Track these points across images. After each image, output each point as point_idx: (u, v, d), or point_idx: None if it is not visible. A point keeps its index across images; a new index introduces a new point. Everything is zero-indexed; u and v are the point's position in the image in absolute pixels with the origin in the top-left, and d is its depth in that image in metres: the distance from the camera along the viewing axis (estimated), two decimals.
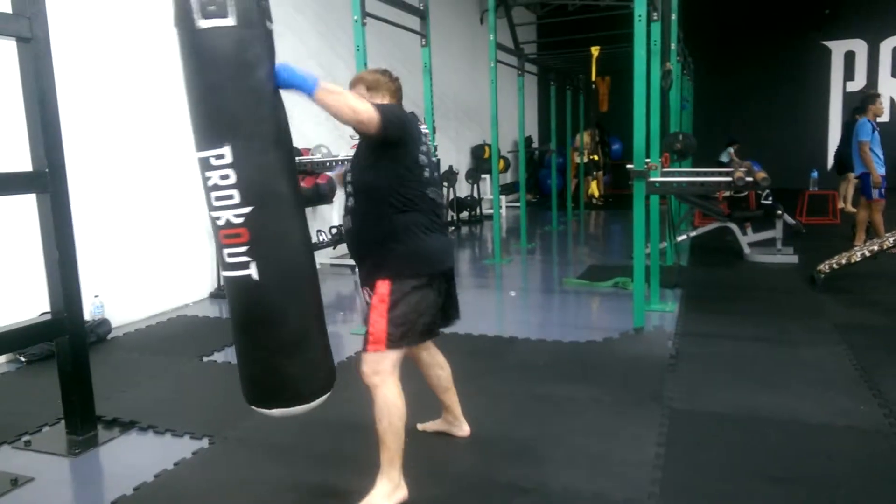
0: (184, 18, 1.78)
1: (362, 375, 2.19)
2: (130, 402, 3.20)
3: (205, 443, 2.75)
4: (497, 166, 7.05)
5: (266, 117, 1.87)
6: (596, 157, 11.83)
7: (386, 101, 2.29)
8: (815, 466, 2.42)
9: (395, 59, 7.88)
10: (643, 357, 3.68)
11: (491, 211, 8.42)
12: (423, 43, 5.04)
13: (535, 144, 13.42)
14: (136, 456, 2.73)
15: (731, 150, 10.37)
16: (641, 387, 3.21)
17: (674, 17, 5.57)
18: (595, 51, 7.75)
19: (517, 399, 3.11)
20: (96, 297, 4.33)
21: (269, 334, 1.94)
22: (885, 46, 12.22)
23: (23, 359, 3.85)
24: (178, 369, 3.74)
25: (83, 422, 2.84)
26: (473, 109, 10.84)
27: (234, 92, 1.82)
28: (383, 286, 2.17)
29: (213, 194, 1.85)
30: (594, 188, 11.82)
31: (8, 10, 2.56)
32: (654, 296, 4.70)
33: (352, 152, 4.12)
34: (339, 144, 6.31)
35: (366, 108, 1.99)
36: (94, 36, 4.43)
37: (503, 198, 10.54)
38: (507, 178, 12.07)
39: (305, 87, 1.93)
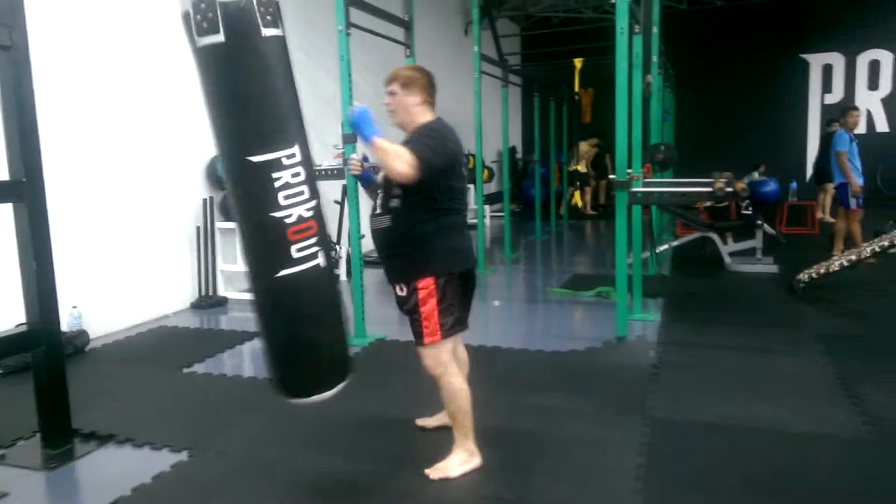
0: (245, 28, 1.86)
1: (426, 369, 2.44)
2: (108, 415, 3.15)
3: (184, 456, 2.71)
4: (481, 176, 7.08)
5: (302, 117, 2.06)
6: (580, 168, 11.91)
7: (419, 98, 2.44)
8: (797, 475, 2.44)
9: (380, 69, 7.90)
10: (626, 366, 3.69)
11: (475, 221, 8.43)
12: (408, 53, 5.06)
13: (519, 155, 13.49)
14: (113, 470, 2.68)
15: (756, 173, 10.49)
16: (624, 396, 3.22)
17: (655, 30, 5.64)
18: (578, 62, 7.82)
19: (500, 409, 3.10)
20: (74, 307, 4.27)
21: (336, 314, 2.15)
22: (862, 60, 12.45)
23: None
24: (157, 381, 3.69)
25: (59, 435, 2.79)
26: (457, 120, 10.74)
27: (292, 94, 2.01)
28: (429, 282, 2.35)
29: (283, 193, 1.94)
30: (578, 198, 11.89)
31: None
32: (637, 305, 4.73)
33: (335, 162, 4.12)
34: (323, 154, 6.28)
35: (401, 169, 2.16)
36: (73, 43, 4.39)
37: (487, 208, 10.56)
38: (492, 188, 12.10)
39: (366, 137, 2.20)
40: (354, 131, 2.21)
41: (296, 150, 1.97)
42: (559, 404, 3.15)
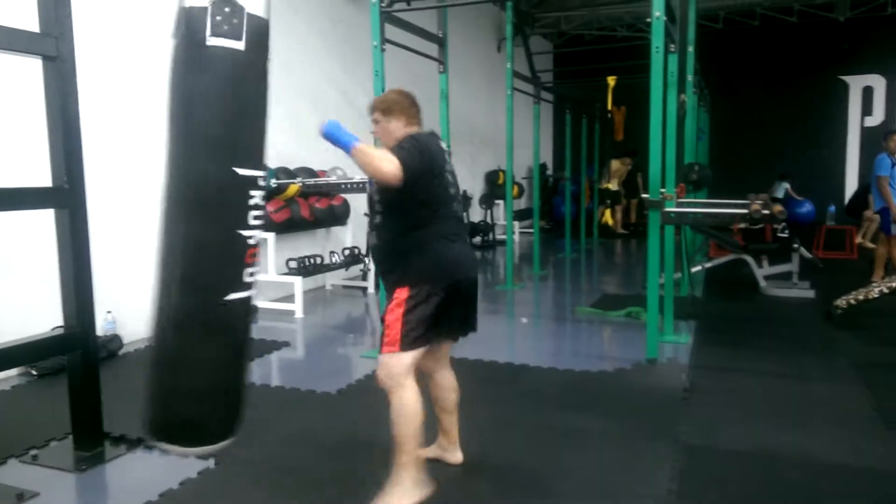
0: (261, 44, 1.84)
1: (377, 380, 2.30)
2: (138, 420, 3.18)
3: (211, 463, 2.73)
4: (511, 192, 7.07)
5: None
6: (611, 187, 11.82)
7: (401, 122, 2.42)
8: None
9: (413, 84, 7.94)
10: (656, 389, 3.63)
11: (504, 236, 8.41)
12: (441, 69, 5.09)
13: (550, 171, 13.46)
14: (142, 474, 2.71)
15: (787, 185, 10.32)
16: (654, 420, 3.16)
17: (690, 49, 5.60)
18: (611, 80, 7.79)
19: (527, 428, 3.06)
20: (109, 312, 4.35)
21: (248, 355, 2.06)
22: None
23: (34, 372, 3.86)
24: None
25: (91, 438, 2.83)
26: (489, 136, 10.90)
27: (265, 117, 1.93)
28: (402, 292, 2.29)
29: (253, 213, 1.89)
30: (608, 216, 11.79)
31: (35, 29, 2.61)
32: (668, 327, 4.65)
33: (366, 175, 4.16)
34: (354, 167, 6.34)
35: (388, 169, 2.13)
36: (113, 53, 4.52)
37: (516, 224, 10.53)
38: (521, 204, 12.07)
39: (345, 145, 2.14)
40: (333, 143, 2.18)
41: (266, 172, 1.97)
42: (587, 425, 3.11)
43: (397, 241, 2.33)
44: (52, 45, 2.61)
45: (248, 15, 1.78)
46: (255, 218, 1.90)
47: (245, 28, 1.78)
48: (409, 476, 2.28)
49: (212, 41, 1.75)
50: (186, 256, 1.82)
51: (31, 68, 2.81)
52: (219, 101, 1.80)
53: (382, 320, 2.34)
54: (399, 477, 2.28)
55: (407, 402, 2.26)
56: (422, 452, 2.63)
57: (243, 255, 1.88)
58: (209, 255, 1.83)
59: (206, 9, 1.74)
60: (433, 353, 2.49)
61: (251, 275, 1.91)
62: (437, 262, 2.32)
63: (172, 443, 1.92)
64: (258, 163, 1.90)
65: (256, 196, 1.89)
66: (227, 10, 1.75)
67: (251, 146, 1.89)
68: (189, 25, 1.77)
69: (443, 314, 2.32)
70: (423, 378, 2.50)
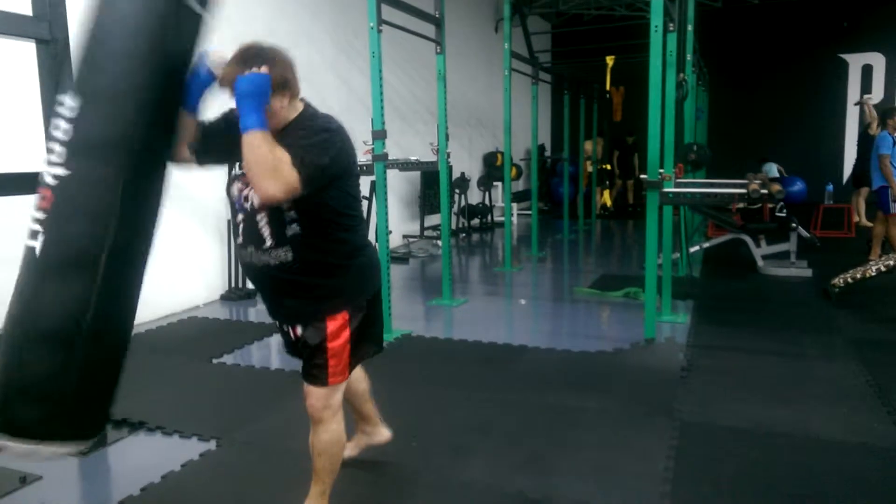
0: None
1: (311, 409, 2.01)
2: (139, 403, 3.20)
3: (212, 445, 2.76)
4: (509, 174, 7.05)
5: None
6: (608, 167, 11.83)
7: (287, 97, 1.85)
8: (828, 484, 2.38)
9: (410, 66, 7.92)
10: (654, 369, 3.65)
11: (502, 218, 8.41)
12: (438, 50, 5.05)
13: (548, 153, 13.42)
14: (143, 456, 2.73)
15: (771, 168, 10.34)
16: (652, 399, 3.18)
17: (690, 28, 5.55)
18: (610, 60, 7.74)
19: (526, 409, 3.09)
20: None
21: None
22: None
23: None
24: (187, 371, 3.76)
25: None
26: (487, 117, 10.86)
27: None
28: (340, 317, 1.96)
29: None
30: (607, 198, 11.79)
31: (28, 12, 2.59)
32: (666, 307, 4.67)
33: (364, 158, 4.14)
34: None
35: (274, 188, 1.69)
36: None
37: (515, 205, 10.52)
38: (519, 185, 12.06)
39: (247, 121, 1.70)
40: (238, 102, 1.71)
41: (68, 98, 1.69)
42: (586, 405, 3.13)
43: (328, 254, 1.93)
44: (45, 28, 2.59)
45: None
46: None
47: None
48: None
49: (195, 7, 1.69)
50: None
51: (26, 52, 2.79)
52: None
53: (317, 348, 1.95)
54: None
55: (339, 434, 2.05)
56: (351, 455, 2.50)
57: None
58: None
59: None
60: None
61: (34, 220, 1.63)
62: (366, 274, 2.05)
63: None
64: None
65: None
66: None
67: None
68: None
69: (371, 328, 2.09)
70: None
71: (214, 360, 3.92)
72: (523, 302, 5.58)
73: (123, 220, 1.64)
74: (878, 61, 12.30)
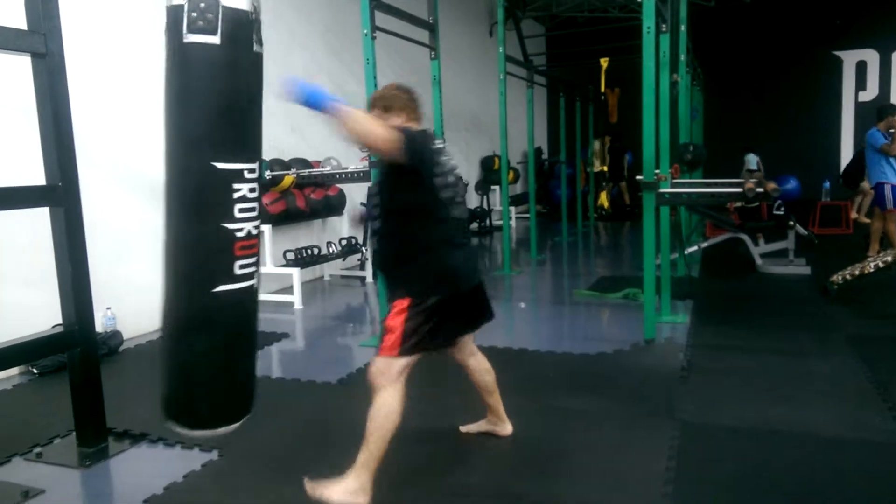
0: (241, 38, 1.83)
1: (369, 375, 2.28)
2: (141, 414, 3.20)
3: (214, 455, 2.75)
4: (507, 177, 7.06)
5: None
6: (605, 168, 11.84)
7: (403, 118, 2.33)
8: (830, 481, 2.39)
9: (405, 71, 7.93)
10: (654, 369, 3.65)
11: (500, 222, 8.41)
12: (433, 56, 5.07)
13: (545, 155, 13.44)
14: (146, 468, 2.73)
15: (752, 158, 10.33)
16: (653, 399, 3.18)
17: (683, 28, 5.58)
18: (604, 62, 7.77)
19: (527, 411, 3.08)
20: (108, 309, 4.35)
21: (255, 342, 2.09)
22: None
23: (35, 371, 3.87)
24: None
25: (94, 434, 2.85)
26: (483, 121, 10.87)
27: (260, 111, 1.95)
28: (402, 302, 2.25)
29: (239, 206, 1.89)
30: (604, 199, 11.81)
31: (23, 26, 2.60)
32: (666, 307, 4.68)
33: (361, 165, 4.16)
34: (348, 157, 6.33)
35: (387, 135, 2.05)
36: (103, 48, 4.49)
37: (513, 209, 10.52)
38: (517, 189, 12.07)
39: (325, 104, 1.98)
40: (312, 108, 2.00)
41: (256, 166, 1.94)
42: (587, 407, 3.13)
43: (398, 248, 2.30)
44: (41, 41, 2.60)
45: (225, 9, 1.77)
46: (243, 210, 1.89)
47: (220, 22, 1.77)
48: (361, 479, 2.23)
49: (188, 38, 1.76)
50: (175, 250, 1.90)
51: (22, 66, 2.80)
52: (196, 98, 1.84)
53: (383, 323, 2.32)
54: (353, 474, 2.23)
55: (391, 402, 2.23)
56: (472, 427, 2.78)
57: (230, 247, 1.88)
58: (194, 248, 1.88)
59: (183, 6, 1.76)
60: (457, 346, 2.56)
61: (243, 267, 1.91)
62: (439, 272, 2.29)
63: (175, 424, 2.00)
64: (244, 156, 1.89)
65: (243, 188, 1.88)
66: (202, 5, 1.75)
67: (234, 140, 1.88)
68: (171, 24, 1.79)
69: (444, 323, 2.30)
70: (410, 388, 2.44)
71: None
72: (523, 305, 5.59)
73: None
74: (871, 58, 12.33)
